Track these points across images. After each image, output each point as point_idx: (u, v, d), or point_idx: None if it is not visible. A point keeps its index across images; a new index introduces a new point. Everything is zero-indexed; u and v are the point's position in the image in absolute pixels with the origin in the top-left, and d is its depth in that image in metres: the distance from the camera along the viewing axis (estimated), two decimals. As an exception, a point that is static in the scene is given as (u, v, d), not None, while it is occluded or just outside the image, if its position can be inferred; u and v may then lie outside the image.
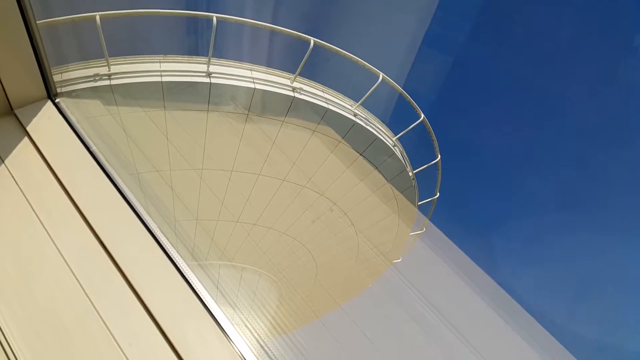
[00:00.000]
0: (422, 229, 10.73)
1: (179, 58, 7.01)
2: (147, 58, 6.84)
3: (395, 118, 8.92)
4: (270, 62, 7.55)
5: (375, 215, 9.67)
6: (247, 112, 7.09)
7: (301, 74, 7.49)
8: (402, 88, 8.25)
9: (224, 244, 8.87)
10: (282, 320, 8.74)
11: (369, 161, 8.47)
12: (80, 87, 6.30)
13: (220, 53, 7.15)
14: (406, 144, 9.17)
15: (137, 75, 6.62)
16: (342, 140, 7.89)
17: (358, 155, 8.27)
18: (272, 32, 7.16)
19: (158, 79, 6.66)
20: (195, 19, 6.86)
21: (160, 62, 6.86)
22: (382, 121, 8.68)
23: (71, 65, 6.26)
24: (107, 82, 6.48)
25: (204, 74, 6.92)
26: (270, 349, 2.01)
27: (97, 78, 6.46)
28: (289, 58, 7.74)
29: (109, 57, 6.45)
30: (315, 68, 7.79)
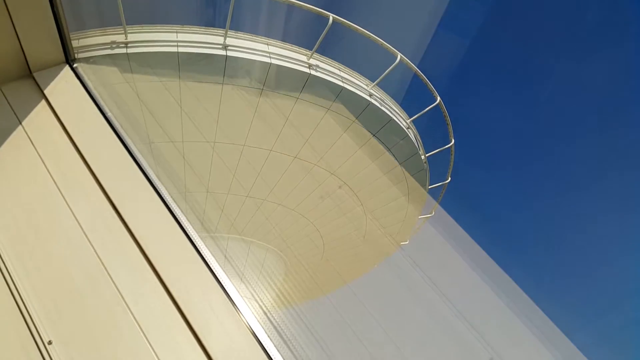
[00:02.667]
0: (431, 213, 10.72)
1: (196, 29, 6.95)
2: (164, 28, 6.80)
3: (409, 99, 8.80)
4: (286, 37, 7.46)
5: (385, 197, 9.66)
6: (262, 87, 7.04)
7: (316, 51, 7.39)
8: (417, 68, 8.10)
9: (233, 217, 8.96)
10: (288, 294, 8.89)
11: (382, 142, 8.41)
12: (97, 54, 6.31)
13: (237, 25, 7.05)
14: (418, 126, 9.07)
15: (153, 44, 6.60)
16: (356, 120, 7.82)
17: (371, 136, 8.21)
18: (290, 6, 7.04)
19: (174, 49, 6.63)
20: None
21: (177, 32, 6.81)
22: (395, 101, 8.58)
23: (89, 31, 6.24)
24: (123, 50, 6.48)
25: (221, 47, 6.87)
26: (275, 319, 2.06)
27: (114, 46, 6.45)
28: (305, 33, 7.63)
29: (127, 25, 6.43)
30: (330, 45, 7.67)
